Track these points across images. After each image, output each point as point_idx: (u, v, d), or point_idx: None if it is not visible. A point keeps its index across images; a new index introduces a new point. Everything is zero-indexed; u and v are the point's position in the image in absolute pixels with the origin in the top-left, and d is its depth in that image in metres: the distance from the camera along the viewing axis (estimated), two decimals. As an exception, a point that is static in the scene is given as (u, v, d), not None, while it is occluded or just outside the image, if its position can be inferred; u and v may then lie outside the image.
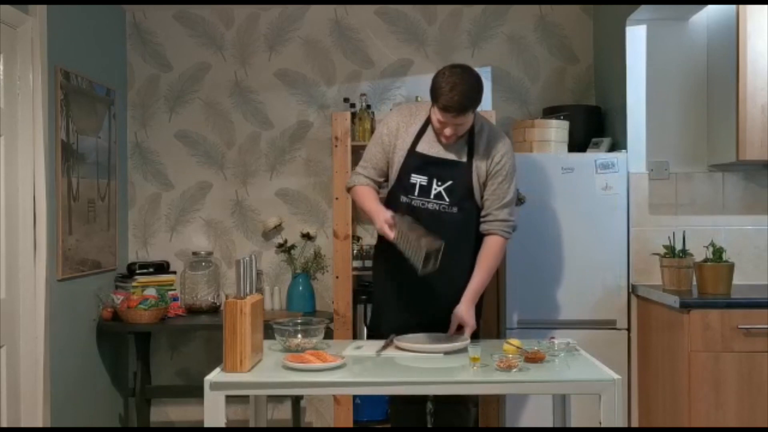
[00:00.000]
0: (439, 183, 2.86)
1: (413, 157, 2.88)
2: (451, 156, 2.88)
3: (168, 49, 4.39)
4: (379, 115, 4.07)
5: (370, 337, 3.17)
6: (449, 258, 2.70)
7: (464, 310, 2.81)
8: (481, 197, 2.90)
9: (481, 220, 2.92)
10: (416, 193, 2.87)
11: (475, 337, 2.86)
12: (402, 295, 2.94)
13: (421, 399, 3.17)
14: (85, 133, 3.79)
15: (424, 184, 2.87)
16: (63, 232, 3.52)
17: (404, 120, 2.94)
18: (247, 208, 4.39)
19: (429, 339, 2.74)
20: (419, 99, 3.93)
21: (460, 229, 2.88)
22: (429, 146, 2.89)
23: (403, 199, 2.89)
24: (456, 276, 2.87)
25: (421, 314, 2.89)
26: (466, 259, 2.90)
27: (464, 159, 2.88)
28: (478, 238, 2.93)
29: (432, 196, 2.87)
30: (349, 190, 3.04)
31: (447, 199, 2.86)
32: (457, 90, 2.67)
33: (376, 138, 2.98)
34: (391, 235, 2.67)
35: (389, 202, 2.94)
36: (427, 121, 2.89)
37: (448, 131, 2.79)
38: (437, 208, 2.86)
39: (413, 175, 2.88)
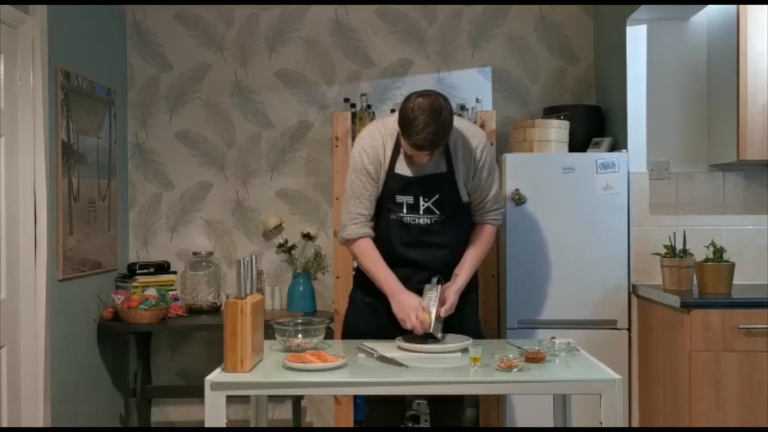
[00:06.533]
0: (426, 199, 2.81)
1: (394, 180, 2.81)
2: (431, 171, 2.80)
3: (168, 49, 4.39)
4: (379, 115, 4.06)
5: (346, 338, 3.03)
6: (445, 258, 2.84)
7: (450, 291, 2.78)
8: (468, 194, 2.86)
9: (473, 211, 2.91)
10: (405, 211, 2.82)
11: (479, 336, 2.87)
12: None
13: (398, 400, 3.13)
14: (86, 133, 3.79)
15: (411, 202, 2.81)
16: (63, 232, 3.52)
17: (380, 143, 2.82)
18: (248, 208, 4.39)
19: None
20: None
21: (453, 233, 2.87)
22: (406, 166, 2.81)
23: (393, 216, 2.83)
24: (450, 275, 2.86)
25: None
26: (459, 258, 2.89)
27: (444, 169, 2.80)
28: (468, 233, 2.93)
29: (421, 212, 2.81)
30: (346, 242, 2.86)
31: (437, 212, 2.82)
32: (428, 130, 2.57)
33: (357, 170, 2.81)
34: (419, 329, 2.66)
35: (376, 219, 2.88)
36: (398, 141, 2.79)
37: (421, 160, 2.73)
38: (428, 221, 2.82)
39: (398, 196, 2.81)
